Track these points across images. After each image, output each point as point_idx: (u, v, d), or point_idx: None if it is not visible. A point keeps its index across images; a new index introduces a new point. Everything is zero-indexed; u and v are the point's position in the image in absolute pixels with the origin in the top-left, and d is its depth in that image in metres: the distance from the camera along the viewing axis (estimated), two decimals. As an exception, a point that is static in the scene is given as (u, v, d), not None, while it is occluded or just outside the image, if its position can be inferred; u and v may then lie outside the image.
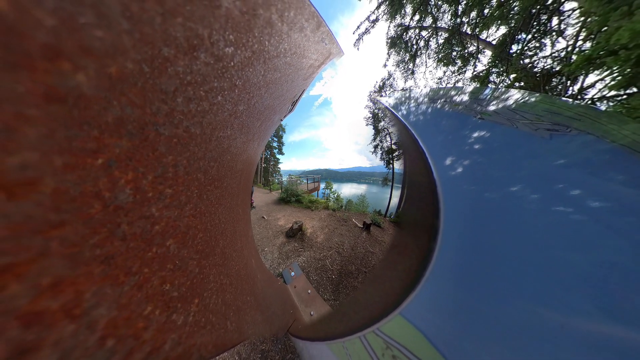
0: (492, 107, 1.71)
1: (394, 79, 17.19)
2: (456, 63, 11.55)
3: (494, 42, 9.98)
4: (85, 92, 0.42)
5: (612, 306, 0.58)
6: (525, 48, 7.58)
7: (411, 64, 14.31)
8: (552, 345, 0.58)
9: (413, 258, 1.15)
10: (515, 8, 7.79)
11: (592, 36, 4.43)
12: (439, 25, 11.92)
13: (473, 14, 9.94)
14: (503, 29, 8.47)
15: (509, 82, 7.49)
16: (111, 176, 0.48)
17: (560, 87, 6.13)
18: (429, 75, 14.77)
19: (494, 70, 8.28)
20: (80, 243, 0.44)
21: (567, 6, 7.77)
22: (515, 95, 1.86)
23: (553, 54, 7.00)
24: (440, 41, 12.20)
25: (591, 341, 0.55)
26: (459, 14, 10.59)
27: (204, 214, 0.90)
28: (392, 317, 0.93)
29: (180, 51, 0.64)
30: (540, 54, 7.61)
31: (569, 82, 5.85)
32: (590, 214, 0.77)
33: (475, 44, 10.76)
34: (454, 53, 11.61)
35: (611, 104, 4.55)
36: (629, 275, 0.61)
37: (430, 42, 12.85)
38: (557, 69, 6.42)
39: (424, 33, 12.76)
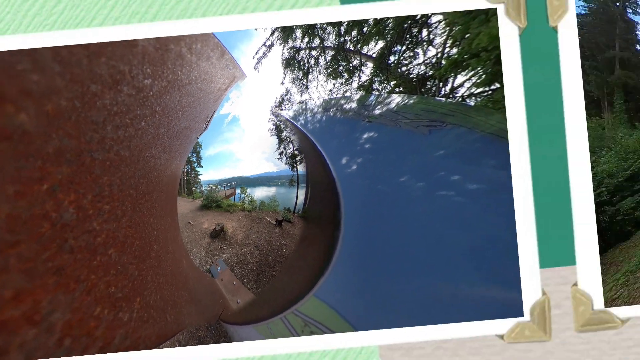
0: (377, 111, 1.77)
1: (291, 94, 17.01)
2: (343, 76, 11.97)
3: (374, 55, 10.75)
4: (28, 129, 0.42)
5: (493, 274, 0.60)
6: (402, 58, 8.30)
7: (305, 80, 14.56)
8: (444, 312, 0.58)
9: (321, 246, 1.17)
10: (390, 24, 8.49)
11: (457, 42, 5.03)
12: (326, 44, 12.40)
13: (354, 32, 10.58)
14: (381, 43, 9.14)
15: (390, 88, 8.05)
16: (56, 199, 0.48)
17: (434, 89, 6.87)
18: (321, 89, 15.17)
19: (376, 79, 8.80)
20: (35, 258, 0.43)
21: (434, 19, 8.75)
22: (396, 99, 1.88)
23: (425, 61, 7.82)
24: (328, 58, 12.70)
25: (480, 304, 0.56)
26: (342, 33, 11.18)
27: (139, 224, 0.88)
28: (307, 299, 0.94)
29: (106, 86, 0.64)
30: (415, 62, 8.42)
31: (441, 83, 6.58)
32: (469, 195, 0.80)
33: (359, 58, 11.44)
34: (341, 67, 12.11)
35: (479, 99, 5.24)
36: (506, 247, 0.58)
37: (319, 60, 13.23)
38: (430, 73, 7.18)
39: (313, 52, 13.14)
